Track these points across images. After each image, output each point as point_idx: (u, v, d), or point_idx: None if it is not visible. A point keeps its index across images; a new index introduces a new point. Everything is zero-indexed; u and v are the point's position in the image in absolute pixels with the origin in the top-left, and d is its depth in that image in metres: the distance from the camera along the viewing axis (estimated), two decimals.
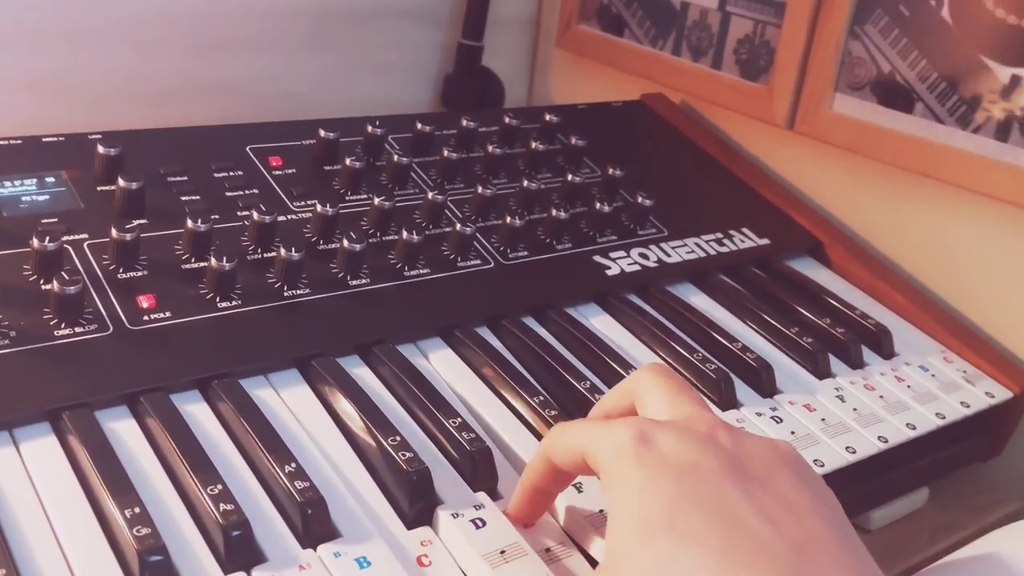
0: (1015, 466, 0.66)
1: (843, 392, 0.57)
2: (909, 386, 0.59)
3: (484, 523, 0.42)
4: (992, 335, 0.67)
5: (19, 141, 0.57)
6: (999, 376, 0.62)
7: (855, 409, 0.56)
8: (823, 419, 0.54)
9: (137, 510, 0.38)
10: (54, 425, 0.43)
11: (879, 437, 0.54)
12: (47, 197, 0.54)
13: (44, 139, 0.58)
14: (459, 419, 0.47)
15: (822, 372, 0.58)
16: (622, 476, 0.36)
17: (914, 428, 0.56)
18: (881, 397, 0.57)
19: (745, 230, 0.70)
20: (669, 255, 0.65)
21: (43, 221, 0.52)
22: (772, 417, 0.53)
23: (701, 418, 0.39)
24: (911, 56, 0.66)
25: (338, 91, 0.85)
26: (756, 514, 0.34)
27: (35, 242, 0.48)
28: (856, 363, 0.60)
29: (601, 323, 0.59)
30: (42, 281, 0.48)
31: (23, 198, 0.54)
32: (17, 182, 0.54)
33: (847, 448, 0.52)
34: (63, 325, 0.46)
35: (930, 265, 0.70)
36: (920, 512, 0.61)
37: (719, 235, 0.68)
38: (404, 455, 0.44)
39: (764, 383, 0.56)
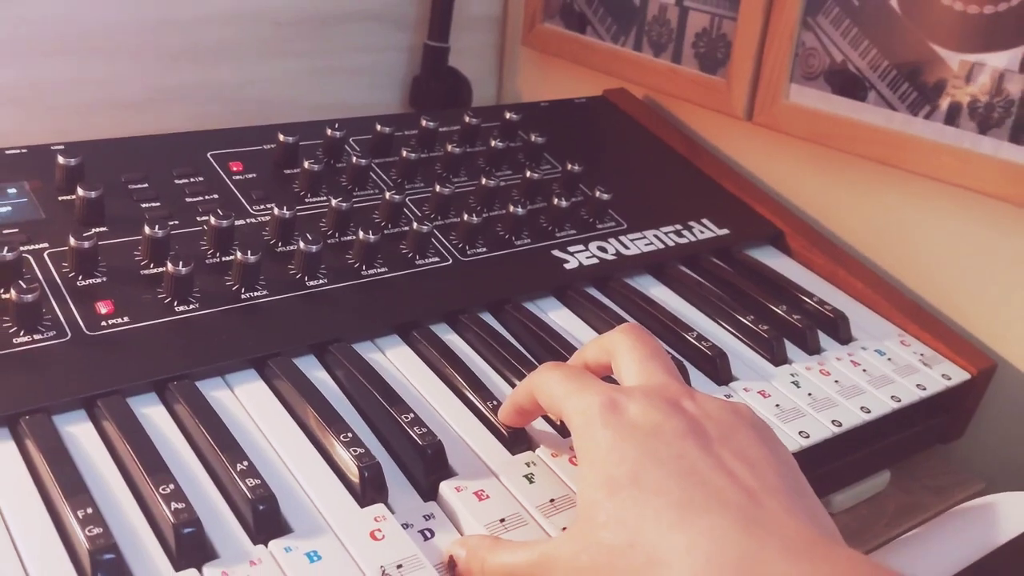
0: (977, 448, 0.67)
1: (798, 378, 0.58)
2: (865, 370, 0.60)
3: (435, 516, 0.44)
4: (951, 317, 0.68)
5: None
6: (956, 358, 0.63)
7: (810, 394, 0.57)
8: (777, 405, 0.55)
9: (90, 510, 0.39)
10: (12, 430, 0.44)
11: (833, 421, 0.55)
12: (9, 208, 0.55)
13: (7, 151, 0.59)
14: (412, 414, 0.48)
15: (778, 359, 0.59)
16: (592, 439, 0.40)
17: (869, 412, 0.56)
18: (836, 382, 0.58)
19: (705, 221, 0.71)
20: (628, 247, 0.66)
21: (4, 231, 0.53)
22: (739, 403, 0.54)
23: (668, 385, 0.42)
24: (862, 45, 0.67)
25: (308, 96, 0.86)
26: (713, 468, 0.38)
27: None
28: (812, 349, 0.61)
29: (559, 316, 0.60)
30: (1, 291, 0.49)
31: None
32: None
33: (800, 432, 0.53)
34: (21, 333, 0.47)
35: (889, 250, 0.71)
36: (882, 495, 0.62)
37: (678, 227, 0.69)
38: (356, 451, 0.45)
39: (719, 371, 0.56)
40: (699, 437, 0.39)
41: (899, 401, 0.58)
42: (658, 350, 0.45)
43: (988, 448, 0.67)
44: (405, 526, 0.43)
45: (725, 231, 0.70)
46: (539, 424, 0.50)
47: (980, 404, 0.65)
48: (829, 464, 0.56)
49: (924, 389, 0.60)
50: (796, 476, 0.40)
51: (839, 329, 0.63)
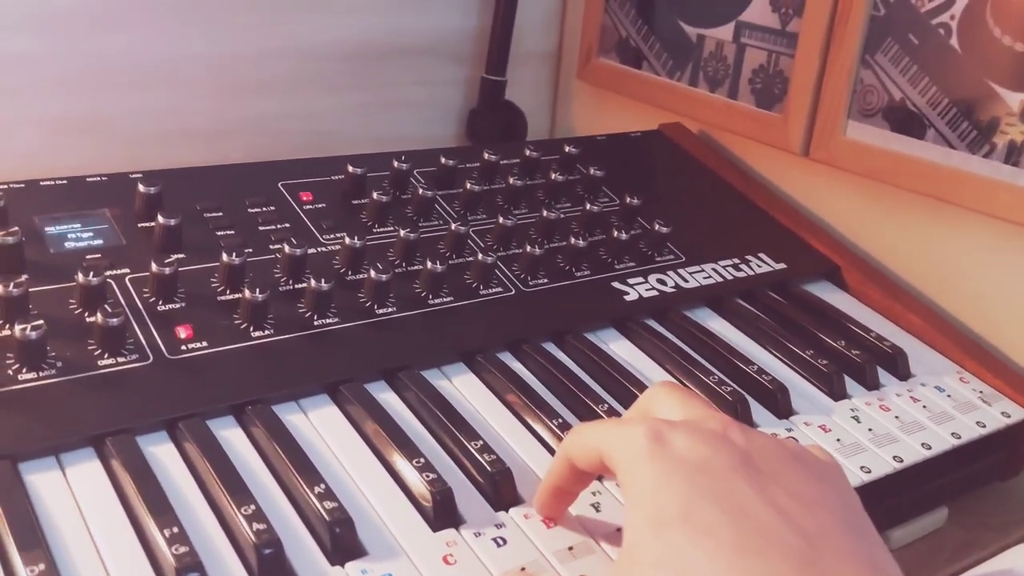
0: None
1: (858, 413, 0.58)
2: (925, 406, 0.60)
3: (505, 542, 0.44)
4: (1009, 355, 0.68)
5: (64, 182, 0.60)
6: (1015, 396, 0.63)
7: (870, 429, 0.57)
8: (838, 439, 0.55)
9: (176, 529, 0.41)
10: (98, 450, 0.46)
11: (894, 457, 0.55)
12: (91, 234, 0.57)
13: (88, 179, 0.61)
14: (481, 441, 0.49)
15: (838, 394, 0.59)
16: (638, 473, 0.38)
17: (929, 448, 0.56)
18: (896, 417, 0.58)
19: (762, 255, 0.71)
20: (686, 280, 0.67)
21: (87, 257, 0.55)
22: (788, 438, 0.55)
23: (713, 417, 0.41)
24: (921, 83, 0.68)
25: (368, 128, 0.88)
26: (766, 506, 0.36)
27: (80, 277, 0.51)
28: (872, 384, 0.61)
29: (619, 347, 0.61)
30: (87, 314, 0.51)
31: (69, 236, 0.57)
32: (64, 220, 0.57)
33: (862, 468, 0.53)
34: (106, 355, 0.49)
35: (946, 287, 0.71)
36: (940, 532, 0.62)
37: (736, 260, 0.70)
38: (428, 476, 0.46)
39: (780, 405, 0.57)
40: (749, 472, 0.37)
41: (959, 438, 0.58)
42: (694, 393, 0.44)
43: None
44: (477, 535, 0.44)
45: (782, 265, 0.71)
46: None
47: None
48: (888, 500, 0.56)
49: (984, 427, 0.59)
50: (853, 513, 0.38)
51: (898, 365, 0.63)
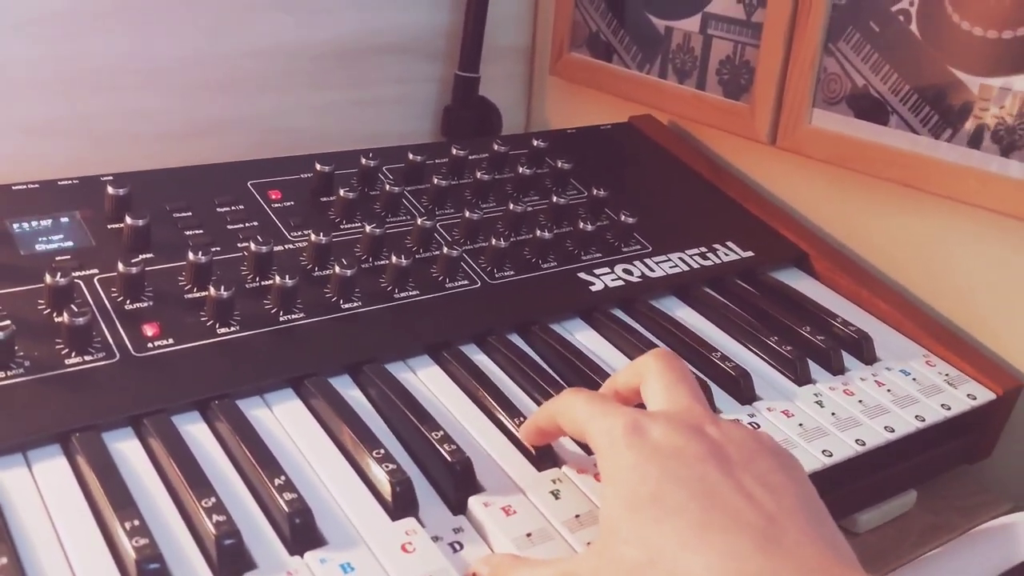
0: (1004, 468, 0.67)
1: (822, 397, 0.59)
2: (889, 390, 0.61)
3: (464, 531, 0.45)
4: (976, 338, 0.69)
5: (36, 185, 0.61)
6: (982, 378, 0.63)
7: (833, 414, 0.57)
8: (800, 424, 0.56)
9: (137, 522, 0.41)
10: (64, 447, 0.46)
11: (857, 440, 0.55)
12: (61, 236, 0.58)
13: (59, 182, 0.62)
14: (441, 431, 0.49)
15: (802, 379, 0.60)
16: (615, 457, 0.41)
17: (892, 431, 0.57)
18: (860, 402, 0.59)
19: (730, 243, 0.72)
20: (653, 270, 0.67)
21: (57, 258, 0.56)
22: (750, 423, 0.55)
23: (691, 410, 0.44)
24: (883, 70, 0.68)
25: (342, 127, 0.89)
26: (733, 490, 0.39)
27: (48, 278, 0.52)
28: (837, 369, 0.62)
29: (585, 337, 0.61)
30: (55, 314, 0.52)
31: (39, 238, 0.58)
32: (34, 223, 0.58)
33: (823, 452, 0.54)
34: (73, 354, 0.50)
35: (913, 271, 0.72)
36: (908, 515, 0.62)
37: (703, 249, 0.71)
38: (388, 467, 0.46)
39: (742, 390, 0.57)
40: (720, 461, 0.40)
41: (923, 421, 0.58)
42: (686, 375, 0.46)
43: (1015, 468, 0.67)
44: (435, 539, 0.44)
45: (749, 253, 0.72)
46: (566, 443, 0.52)
47: (1007, 424, 0.65)
48: (854, 483, 0.57)
49: (949, 409, 0.60)
50: (816, 504, 0.41)
51: (863, 350, 0.64)
